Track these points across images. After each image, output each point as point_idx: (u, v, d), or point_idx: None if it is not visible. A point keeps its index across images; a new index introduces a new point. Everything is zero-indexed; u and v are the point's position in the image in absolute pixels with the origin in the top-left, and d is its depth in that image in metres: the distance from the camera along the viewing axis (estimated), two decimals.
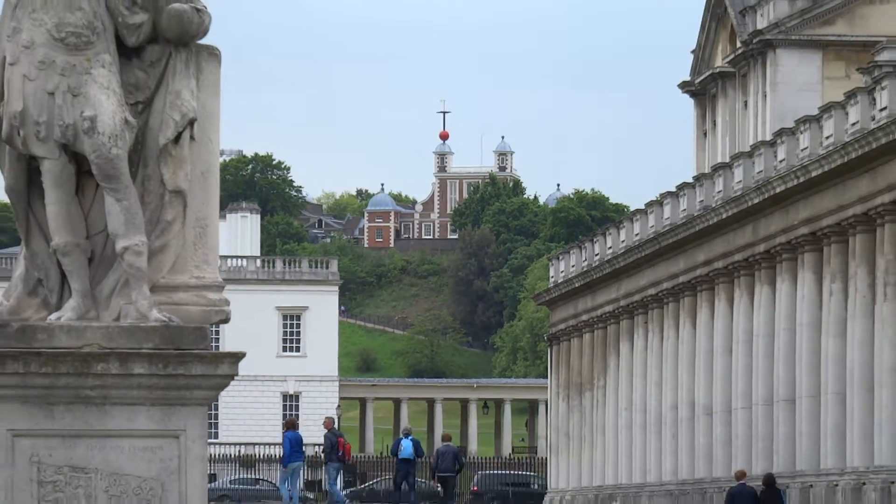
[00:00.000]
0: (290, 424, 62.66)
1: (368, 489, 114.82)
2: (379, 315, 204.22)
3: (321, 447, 62.20)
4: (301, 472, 62.86)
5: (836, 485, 58.79)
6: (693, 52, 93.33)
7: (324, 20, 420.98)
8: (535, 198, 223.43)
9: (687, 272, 73.96)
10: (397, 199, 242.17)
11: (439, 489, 58.97)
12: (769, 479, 50.86)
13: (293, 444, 54.46)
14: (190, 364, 10.70)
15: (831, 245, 60.35)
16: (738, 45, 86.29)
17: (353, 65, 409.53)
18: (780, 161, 64.91)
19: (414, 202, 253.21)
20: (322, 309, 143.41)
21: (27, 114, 10.54)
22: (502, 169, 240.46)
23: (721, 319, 68.83)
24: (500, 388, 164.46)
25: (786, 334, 62.74)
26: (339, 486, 63.72)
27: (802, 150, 62.35)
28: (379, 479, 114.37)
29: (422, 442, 71.00)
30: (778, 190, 63.73)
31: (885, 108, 55.20)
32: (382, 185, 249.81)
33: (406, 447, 57.50)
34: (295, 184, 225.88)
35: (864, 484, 56.18)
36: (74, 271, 10.82)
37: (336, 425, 67.16)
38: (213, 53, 11.45)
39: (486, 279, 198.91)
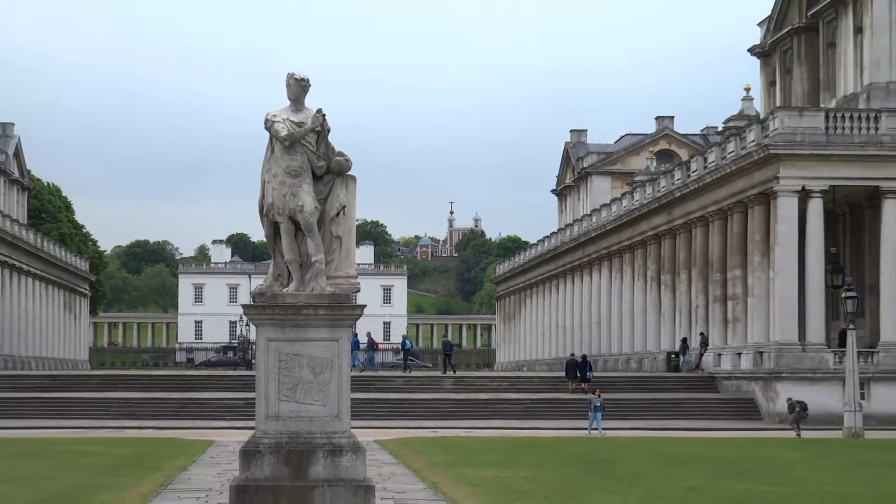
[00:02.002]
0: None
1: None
2: (426, 288, 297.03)
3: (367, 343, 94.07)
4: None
5: (617, 359, 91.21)
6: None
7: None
8: (490, 238, 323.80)
9: (553, 269, 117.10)
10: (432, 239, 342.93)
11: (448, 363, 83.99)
12: (584, 358, 72.66)
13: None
14: (342, 309, 18.37)
15: (636, 251, 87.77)
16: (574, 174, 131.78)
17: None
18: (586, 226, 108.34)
19: (439, 240, 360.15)
20: (399, 284, 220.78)
21: (274, 204, 18.30)
22: (476, 224, 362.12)
23: (573, 289, 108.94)
24: (477, 320, 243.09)
25: (603, 297, 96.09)
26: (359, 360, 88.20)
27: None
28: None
29: (440, 341, 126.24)
30: (606, 229, 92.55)
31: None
32: (426, 233, 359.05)
33: (407, 344, 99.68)
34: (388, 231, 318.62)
35: (628, 360, 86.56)
36: (294, 271, 18.38)
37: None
38: (352, 177, 18.91)
39: (471, 273, 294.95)
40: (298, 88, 18.40)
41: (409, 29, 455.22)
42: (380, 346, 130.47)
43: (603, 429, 51.65)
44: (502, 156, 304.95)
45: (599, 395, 53.83)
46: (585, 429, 52.33)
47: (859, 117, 62.75)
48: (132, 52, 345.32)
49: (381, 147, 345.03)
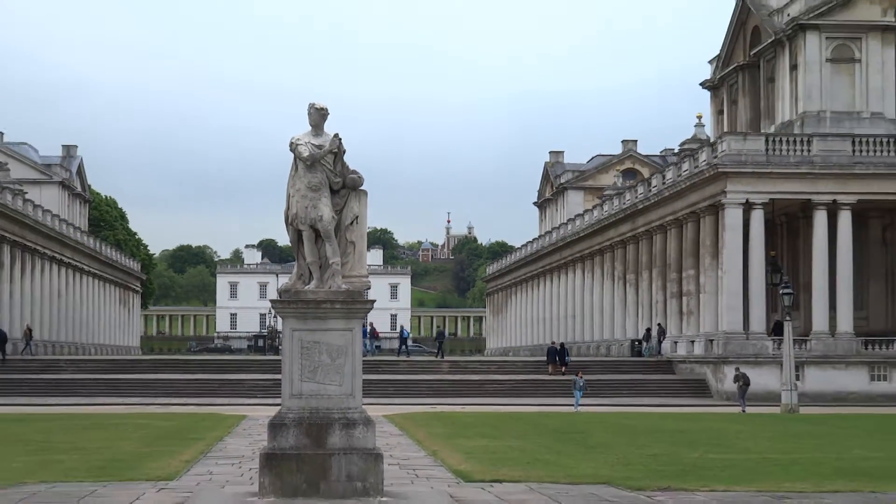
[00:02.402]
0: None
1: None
2: (427, 285, 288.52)
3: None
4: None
5: (589, 346, 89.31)
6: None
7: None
8: (481, 243, 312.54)
9: (535, 270, 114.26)
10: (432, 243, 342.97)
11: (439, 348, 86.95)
12: (561, 345, 72.81)
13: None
14: (355, 304, 18.34)
15: (605, 254, 73.94)
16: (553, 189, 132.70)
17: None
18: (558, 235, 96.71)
19: (438, 244, 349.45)
20: (404, 282, 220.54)
21: (298, 214, 18.33)
22: (470, 231, 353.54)
23: (552, 286, 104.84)
24: (470, 313, 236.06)
25: (577, 294, 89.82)
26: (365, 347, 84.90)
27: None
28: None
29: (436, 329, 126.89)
30: (579, 236, 79.59)
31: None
32: (427, 238, 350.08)
33: (405, 333, 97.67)
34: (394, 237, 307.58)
35: (598, 346, 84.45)
36: (314, 271, 18.36)
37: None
38: (364, 192, 18.92)
39: (465, 273, 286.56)
40: (318, 116, 18.58)
41: (410, 57, 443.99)
42: (385, 335, 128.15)
43: (580, 405, 51.60)
44: (492, 172, 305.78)
45: (582, 377, 54.04)
46: (571, 405, 52.32)
47: (794, 141, 63.02)
48: (180, 82, 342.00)
49: (387, 163, 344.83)
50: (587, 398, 54.95)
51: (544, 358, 73.93)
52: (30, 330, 79.14)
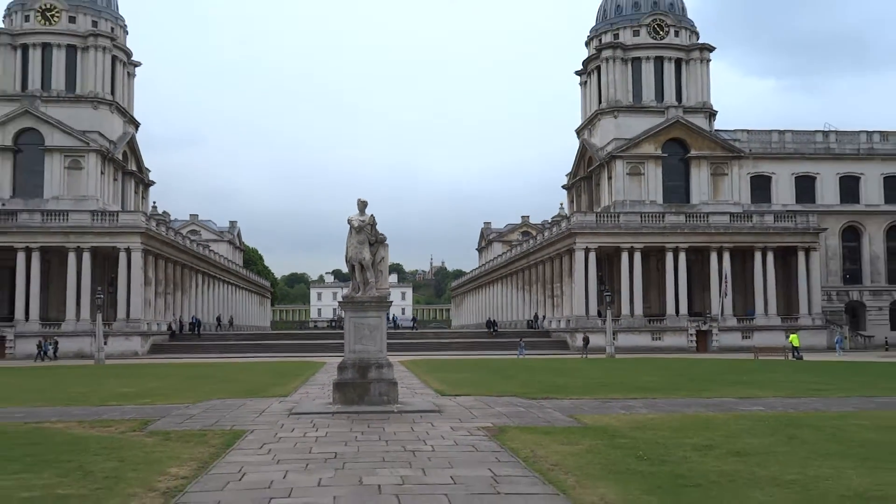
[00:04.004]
0: None
1: None
2: (420, 293, 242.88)
3: None
4: None
5: (508, 322, 79.36)
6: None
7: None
8: (449, 269, 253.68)
9: (478, 284, 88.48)
10: (423, 270, 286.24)
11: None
12: (493, 321, 70.31)
13: None
14: (382, 303, 17.78)
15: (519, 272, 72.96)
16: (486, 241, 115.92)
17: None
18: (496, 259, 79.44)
19: (426, 270, 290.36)
20: (408, 291, 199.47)
21: (352, 256, 17.67)
22: (442, 263, 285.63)
23: (488, 291, 77.51)
24: (443, 307, 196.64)
25: (501, 295, 73.01)
26: None
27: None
28: None
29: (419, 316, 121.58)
30: (501, 266, 77.06)
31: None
32: (419, 268, 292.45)
33: (408, 316, 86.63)
34: (403, 266, 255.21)
35: (511, 323, 64.93)
36: (361, 286, 17.70)
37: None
38: (386, 245, 18.21)
39: (441, 286, 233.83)
40: (361, 204, 18.10)
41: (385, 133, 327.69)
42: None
43: (524, 355, 50.34)
44: (454, 231, 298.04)
45: (522, 341, 54.08)
46: (501, 355, 52.16)
47: (610, 216, 63.14)
48: (299, 185, 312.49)
49: (394, 225, 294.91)
50: (504, 350, 54.90)
51: (485, 328, 73.26)
52: (219, 318, 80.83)
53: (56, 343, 53.38)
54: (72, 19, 68.51)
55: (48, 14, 67.88)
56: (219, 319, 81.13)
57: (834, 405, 18.48)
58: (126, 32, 74.19)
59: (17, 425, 15.32)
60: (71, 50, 68.01)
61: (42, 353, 51.27)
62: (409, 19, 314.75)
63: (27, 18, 68.29)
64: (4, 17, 69.58)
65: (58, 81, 67.40)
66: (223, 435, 13.72)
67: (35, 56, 67.47)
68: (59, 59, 67.53)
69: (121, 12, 74.21)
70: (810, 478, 9.79)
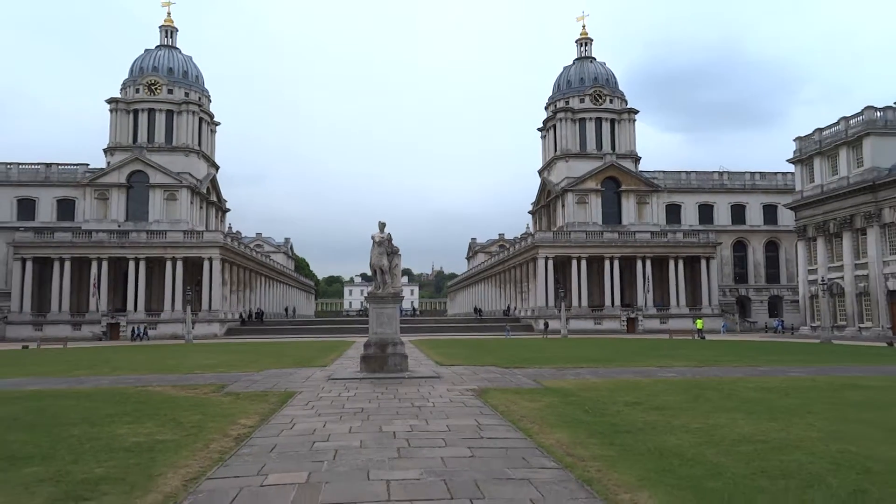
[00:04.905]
0: None
1: None
2: (425, 290, 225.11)
3: None
4: None
5: (490, 311, 69.95)
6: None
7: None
8: (445, 273, 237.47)
9: (466, 283, 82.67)
10: (426, 274, 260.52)
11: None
12: (479, 309, 63.28)
13: None
14: (397, 297, 17.24)
15: (497, 274, 70.28)
16: (472, 253, 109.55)
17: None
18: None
19: (429, 273, 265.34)
20: (416, 289, 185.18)
21: (374, 263, 16.91)
22: (441, 268, 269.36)
23: (475, 289, 74.69)
24: (442, 300, 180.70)
25: (485, 291, 71.41)
26: None
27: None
28: None
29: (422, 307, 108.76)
30: (483, 270, 71.15)
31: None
32: (424, 271, 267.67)
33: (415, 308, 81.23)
34: (413, 270, 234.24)
35: (491, 312, 59.70)
36: (381, 285, 16.82)
37: None
38: (400, 254, 17.44)
39: (440, 285, 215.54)
40: (381, 225, 17.65)
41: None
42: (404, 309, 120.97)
43: (509, 335, 49.16)
44: (450, 243, 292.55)
45: (508, 326, 53.54)
46: (485, 336, 51.67)
47: (563, 233, 62.66)
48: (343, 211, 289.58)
49: (405, 237, 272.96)
50: (487, 333, 54.40)
51: (473, 314, 72.56)
52: (286, 309, 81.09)
53: (145, 329, 53.61)
54: (170, 91, 68.96)
55: (153, 87, 68.44)
56: (286, 310, 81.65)
57: (728, 372, 18.30)
58: (210, 100, 74.27)
59: (130, 388, 15.23)
60: (169, 113, 68.46)
61: (137, 335, 51.60)
62: (425, 80, 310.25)
63: (137, 91, 68.80)
64: (121, 89, 70.23)
65: (159, 136, 67.74)
66: (278, 395, 13.56)
67: (143, 118, 67.89)
68: (160, 120, 67.96)
69: (207, 86, 74.43)
70: (711, 426, 9.71)
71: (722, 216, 70.40)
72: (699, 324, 48.64)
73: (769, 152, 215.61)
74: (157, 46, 71.44)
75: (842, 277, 46.18)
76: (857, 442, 8.52)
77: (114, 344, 46.08)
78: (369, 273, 17.83)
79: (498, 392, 13.80)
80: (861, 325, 44.46)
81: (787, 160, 51.98)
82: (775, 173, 71.85)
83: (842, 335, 44.42)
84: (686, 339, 42.98)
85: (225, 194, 79.32)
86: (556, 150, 73.24)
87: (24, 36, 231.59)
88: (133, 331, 52.79)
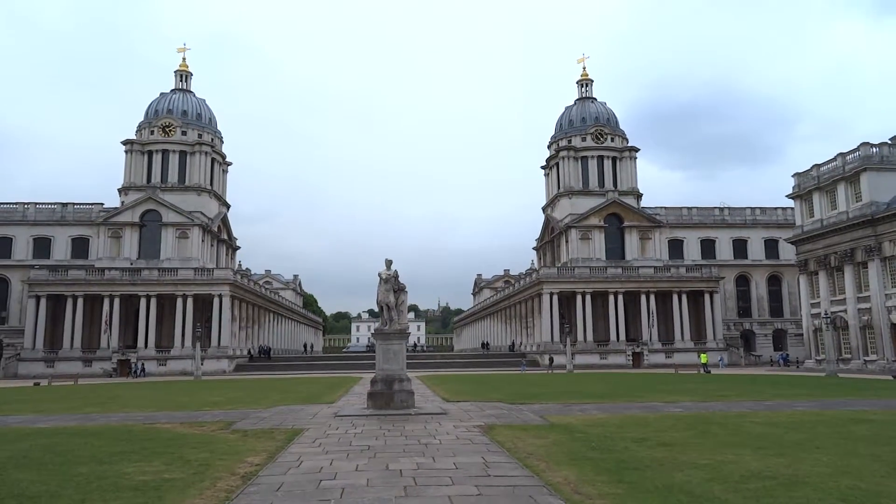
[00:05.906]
0: None
1: None
2: (431, 326, 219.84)
3: None
4: None
5: (496, 346, 63.57)
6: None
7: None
8: (451, 308, 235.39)
9: (473, 319, 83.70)
10: (432, 310, 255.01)
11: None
12: (486, 343, 69.69)
13: None
14: (403, 334, 16.79)
15: (502, 310, 70.00)
16: (478, 289, 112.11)
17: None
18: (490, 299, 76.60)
19: (435, 309, 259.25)
20: (422, 325, 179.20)
21: (381, 300, 16.70)
22: (447, 304, 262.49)
23: (480, 325, 76.03)
24: (447, 336, 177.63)
25: (490, 326, 70.02)
26: None
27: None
28: None
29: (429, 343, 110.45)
30: (489, 305, 71.44)
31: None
32: (430, 307, 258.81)
33: (422, 341, 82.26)
34: (419, 306, 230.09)
35: (497, 347, 59.43)
36: (388, 321, 16.65)
37: None
38: (406, 291, 17.29)
39: (447, 321, 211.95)
40: (388, 262, 17.68)
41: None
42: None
43: (524, 371, 48.59)
44: (454, 280, 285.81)
45: (524, 360, 53.18)
46: (492, 371, 51.11)
47: (567, 268, 62.63)
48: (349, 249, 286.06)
49: (411, 274, 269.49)
50: (492, 368, 53.81)
51: (480, 349, 71.99)
52: (305, 345, 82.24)
53: (143, 365, 53.92)
54: (184, 132, 70.09)
55: (167, 129, 69.63)
56: (305, 346, 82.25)
57: (734, 407, 18.05)
58: (222, 141, 75.37)
59: (138, 426, 15.16)
60: (182, 154, 69.46)
61: (134, 372, 51.59)
62: (435, 120, 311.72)
63: (152, 132, 69.98)
64: (137, 131, 71.50)
65: (172, 176, 68.55)
66: (286, 432, 13.45)
67: (157, 158, 68.87)
68: (173, 160, 68.93)
69: (219, 127, 75.68)
70: (719, 461, 9.56)
71: (724, 251, 70.29)
72: (704, 358, 48.13)
73: (768, 187, 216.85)
74: (172, 90, 73.04)
75: (845, 310, 45.88)
76: (866, 477, 8.37)
77: (123, 381, 45.88)
78: (377, 309, 17.79)
79: (504, 428, 13.63)
80: (866, 358, 43.98)
81: (787, 195, 52.11)
82: (775, 208, 71.99)
83: (847, 368, 43.86)
84: (692, 374, 42.45)
85: (235, 232, 79.88)
86: (559, 188, 73.72)
87: (44, 79, 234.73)
88: (132, 367, 52.77)
